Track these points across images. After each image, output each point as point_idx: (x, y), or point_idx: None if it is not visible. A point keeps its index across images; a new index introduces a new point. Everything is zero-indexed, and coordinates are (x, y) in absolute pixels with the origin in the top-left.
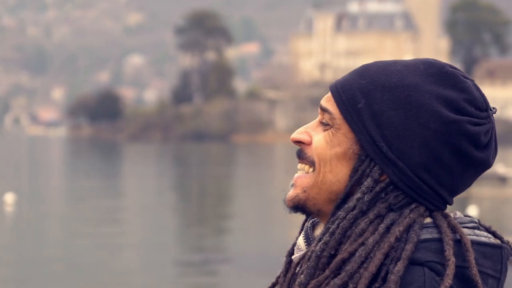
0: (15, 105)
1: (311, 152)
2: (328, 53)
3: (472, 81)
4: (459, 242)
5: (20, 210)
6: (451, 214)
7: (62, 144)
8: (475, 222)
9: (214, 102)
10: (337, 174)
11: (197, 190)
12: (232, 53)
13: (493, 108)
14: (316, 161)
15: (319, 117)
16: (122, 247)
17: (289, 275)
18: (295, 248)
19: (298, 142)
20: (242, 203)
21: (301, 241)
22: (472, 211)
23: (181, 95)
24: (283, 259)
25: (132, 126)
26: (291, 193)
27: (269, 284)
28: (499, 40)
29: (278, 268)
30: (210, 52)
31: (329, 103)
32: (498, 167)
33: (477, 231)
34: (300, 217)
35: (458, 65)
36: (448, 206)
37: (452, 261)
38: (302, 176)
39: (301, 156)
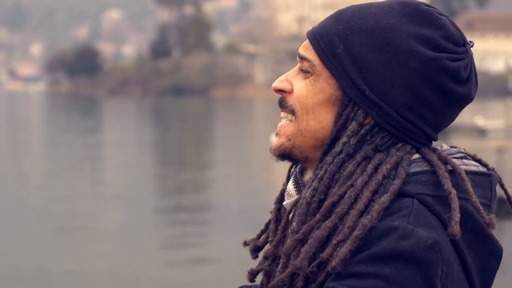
0: None
1: (292, 100)
2: (306, 6)
3: (448, 17)
4: (451, 173)
5: None
6: (438, 147)
7: (41, 99)
8: (463, 152)
9: (192, 56)
10: (321, 121)
11: (177, 144)
12: (210, 7)
13: (470, 42)
14: (298, 109)
15: (298, 65)
16: (103, 199)
17: (282, 222)
18: (285, 194)
19: (279, 90)
20: (222, 156)
21: (291, 187)
22: None
23: (160, 49)
24: (271, 206)
25: (111, 81)
26: (276, 142)
27: (258, 232)
28: None
29: (260, 217)
30: (188, 6)
31: (307, 50)
32: (478, 119)
33: (465, 161)
34: (283, 166)
35: None
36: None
37: (453, 193)
38: (285, 124)
39: (283, 105)
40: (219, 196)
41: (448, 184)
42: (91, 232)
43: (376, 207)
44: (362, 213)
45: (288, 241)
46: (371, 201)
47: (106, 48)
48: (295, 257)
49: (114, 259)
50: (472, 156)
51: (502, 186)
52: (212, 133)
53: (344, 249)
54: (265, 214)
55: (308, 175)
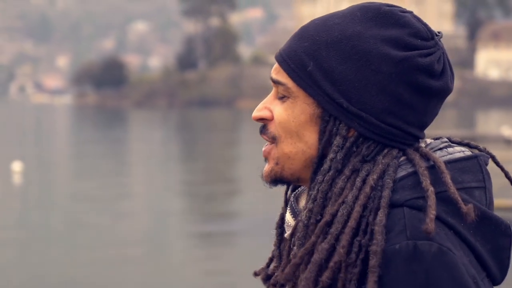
0: (20, 73)
1: (274, 127)
2: None
3: (411, 13)
4: (432, 167)
5: (27, 178)
6: (422, 144)
7: (67, 111)
8: (446, 141)
9: (218, 68)
10: (307, 142)
11: (203, 156)
12: (236, 19)
13: (439, 33)
14: (282, 134)
15: (273, 90)
16: (128, 213)
17: (285, 251)
18: (285, 226)
19: (260, 119)
20: (248, 167)
21: (289, 217)
22: None
23: (186, 61)
24: (273, 232)
25: (137, 93)
26: (266, 168)
27: (267, 260)
28: (503, 2)
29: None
30: (214, 17)
31: (279, 74)
32: (504, 129)
33: (450, 149)
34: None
35: (462, 28)
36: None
37: (431, 191)
38: (269, 147)
39: (263, 132)
40: (246, 207)
41: (426, 182)
42: (118, 244)
43: (377, 228)
44: (354, 230)
45: (287, 267)
46: (362, 217)
47: (132, 60)
48: (298, 283)
49: (141, 267)
50: (459, 141)
51: (496, 163)
52: (237, 146)
53: (370, 284)
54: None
55: (303, 201)
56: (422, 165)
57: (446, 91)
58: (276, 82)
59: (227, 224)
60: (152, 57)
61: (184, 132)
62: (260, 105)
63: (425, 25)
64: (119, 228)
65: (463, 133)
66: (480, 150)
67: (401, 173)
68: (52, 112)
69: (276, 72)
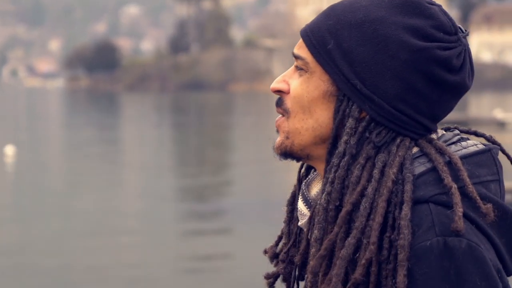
0: (12, 57)
1: (288, 100)
2: (325, 0)
3: (439, 6)
4: (449, 163)
5: (20, 161)
6: (434, 136)
7: (60, 95)
8: (458, 134)
9: (211, 51)
10: (318, 119)
11: (196, 139)
12: (228, 2)
13: (465, 30)
14: (295, 108)
15: (294, 63)
16: (121, 196)
17: (302, 244)
18: (298, 214)
19: (277, 91)
20: (241, 151)
21: (301, 206)
22: None
23: (178, 44)
24: (284, 209)
25: (129, 76)
26: (277, 140)
27: (276, 238)
28: None
29: (278, 212)
30: (207, 1)
31: (301, 49)
32: (497, 112)
33: (463, 143)
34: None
35: (455, 11)
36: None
37: (454, 188)
38: (281, 119)
39: (278, 104)
40: (239, 191)
41: (448, 179)
42: (111, 227)
43: (403, 223)
44: (381, 225)
45: (313, 260)
46: (387, 212)
47: (124, 44)
48: (321, 276)
49: (135, 252)
50: (467, 130)
51: (505, 153)
52: (231, 129)
53: (400, 278)
54: (283, 209)
55: (314, 190)
56: (440, 161)
57: (462, 87)
58: (297, 57)
59: (220, 208)
60: (144, 40)
61: (176, 116)
62: (279, 77)
63: (451, 20)
64: (112, 211)
65: (456, 116)
66: (487, 138)
67: (420, 168)
68: (44, 96)
69: (299, 47)
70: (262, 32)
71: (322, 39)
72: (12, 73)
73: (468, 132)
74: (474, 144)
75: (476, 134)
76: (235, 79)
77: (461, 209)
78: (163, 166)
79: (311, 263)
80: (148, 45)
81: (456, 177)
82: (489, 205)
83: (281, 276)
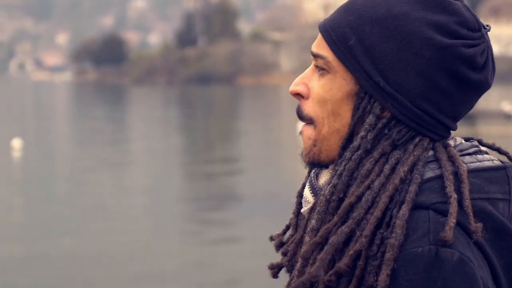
0: (20, 51)
1: (309, 107)
2: None
3: (461, 1)
4: (456, 174)
5: (27, 155)
6: (452, 142)
7: (67, 89)
8: (477, 146)
9: (218, 44)
10: (342, 120)
11: (204, 133)
12: None
13: (487, 26)
14: (319, 114)
15: (312, 64)
16: (129, 189)
17: (301, 228)
18: (302, 200)
19: (296, 94)
20: (249, 144)
21: (307, 193)
22: None
23: (185, 38)
24: (293, 200)
25: (136, 70)
26: (304, 145)
27: (283, 227)
28: None
29: (285, 204)
30: None
31: (320, 47)
32: (504, 105)
33: (479, 156)
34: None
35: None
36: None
37: (453, 198)
38: (307, 128)
39: (300, 116)
40: (246, 184)
41: (450, 188)
42: (117, 216)
43: (398, 222)
44: (379, 220)
45: (306, 245)
46: (387, 208)
47: (132, 37)
48: (311, 263)
49: (139, 239)
50: (490, 145)
51: None
52: (238, 123)
53: (382, 276)
54: (291, 201)
55: (323, 178)
56: (449, 168)
57: (485, 85)
58: (316, 56)
59: (226, 202)
60: (151, 34)
61: (184, 109)
62: (297, 79)
63: (474, 16)
64: (122, 203)
65: None
66: (509, 157)
67: (429, 173)
68: (52, 89)
69: (317, 45)
70: (270, 25)
71: (343, 35)
72: (20, 66)
73: (491, 147)
74: (490, 159)
75: (500, 151)
76: (243, 72)
77: (454, 220)
78: (171, 162)
79: (305, 248)
80: (155, 39)
81: (459, 189)
82: (480, 225)
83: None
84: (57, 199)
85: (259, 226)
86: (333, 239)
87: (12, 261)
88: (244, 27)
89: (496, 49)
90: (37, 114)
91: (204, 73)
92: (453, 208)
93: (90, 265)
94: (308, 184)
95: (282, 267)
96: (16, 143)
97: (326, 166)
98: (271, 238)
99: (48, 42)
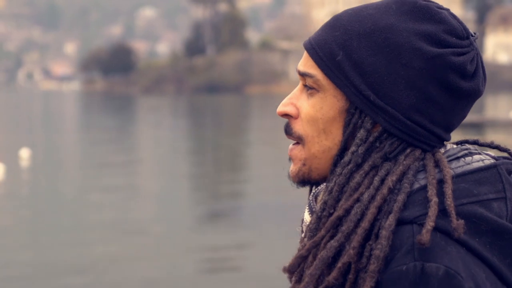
0: (28, 60)
1: (298, 126)
2: (341, 2)
3: (448, 10)
4: (453, 178)
5: (35, 164)
6: (442, 149)
7: (76, 98)
8: (466, 149)
9: (227, 53)
10: (334, 139)
11: (212, 142)
12: (244, 4)
13: (474, 34)
14: (309, 133)
15: (300, 84)
16: (137, 199)
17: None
18: (302, 225)
19: (284, 115)
20: (257, 154)
21: (306, 215)
22: None
23: (194, 47)
24: (298, 229)
25: (145, 79)
26: (293, 168)
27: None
28: None
29: (294, 219)
30: (222, 3)
31: (307, 65)
32: None
33: (468, 159)
34: None
35: (471, 12)
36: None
37: (434, 201)
38: (295, 148)
39: (288, 132)
40: (254, 194)
41: (431, 191)
42: (127, 227)
43: (384, 233)
44: (367, 231)
45: (293, 259)
46: (376, 219)
47: (140, 46)
48: (297, 279)
49: (151, 250)
50: (489, 144)
51: None
52: (247, 132)
53: None
54: (298, 211)
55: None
56: (433, 173)
57: (476, 93)
58: (304, 75)
59: (234, 212)
60: (160, 43)
61: (192, 118)
62: (285, 100)
63: (461, 23)
64: (130, 212)
65: (472, 118)
66: (510, 153)
67: (415, 185)
68: (60, 99)
69: (304, 63)
70: (278, 34)
71: (330, 51)
72: (28, 76)
73: (490, 146)
74: (480, 160)
75: (499, 148)
76: (251, 81)
77: (432, 223)
78: (179, 169)
79: (290, 261)
80: (163, 48)
81: (441, 192)
82: (461, 222)
83: None
84: (65, 208)
85: (268, 233)
86: (322, 254)
87: (22, 270)
88: (253, 36)
89: (505, 57)
90: (45, 123)
91: (213, 82)
92: (432, 212)
93: (94, 272)
94: (307, 207)
95: None
96: (24, 152)
97: (317, 184)
98: (284, 269)
99: (56, 52)
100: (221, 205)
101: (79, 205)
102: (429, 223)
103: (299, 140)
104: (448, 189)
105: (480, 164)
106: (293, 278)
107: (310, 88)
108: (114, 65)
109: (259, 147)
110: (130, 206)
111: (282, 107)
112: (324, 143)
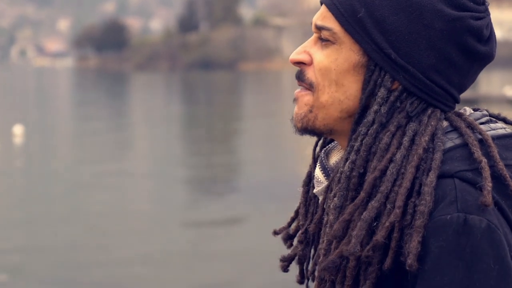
0: (21, 37)
1: (311, 73)
2: None
3: None
4: (480, 141)
5: (28, 141)
6: (462, 112)
7: (69, 75)
8: (487, 115)
9: (220, 30)
10: (345, 92)
11: (206, 119)
12: None
13: (486, 1)
14: (320, 82)
15: (314, 35)
16: (130, 176)
17: (316, 209)
18: (314, 181)
19: (298, 63)
20: (251, 129)
21: (319, 173)
22: None
23: (187, 23)
24: (299, 189)
25: (138, 56)
26: (298, 111)
27: (288, 219)
28: None
29: (287, 189)
30: None
31: (325, 19)
32: (507, 90)
33: (492, 125)
34: (311, 139)
35: None
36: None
37: (484, 162)
38: (303, 92)
39: (300, 78)
40: (247, 170)
41: (477, 153)
42: (121, 208)
43: (427, 189)
44: (408, 191)
45: (336, 223)
46: (415, 178)
47: (133, 23)
48: (346, 241)
49: (145, 236)
50: (496, 115)
51: None
52: (240, 108)
53: (413, 243)
54: (293, 187)
55: (334, 159)
56: (471, 135)
57: (489, 57)
58: (321, 28)
59: (228, 190)
60: (153, 19)
61: (186, 95)
62: (299, 48)
63: None
64: (122, 190)
65: (466, 94)
66: None
67: (448, 144)
68: (53, 76)
69: (322, 17)
70: (272, 11)
71: (351, 7)
72: (21, 53)
73: (497, 118)
74: (502, 127)
75: (505, 121)
76: (245, 58)
77: (490, 184)
78: (173, 148)
79: (334, 226)
80: (157, 24)
81: (486, 155)
82: None
83: (296, 258)
84: (58, 184)
85: (261, 209)
86: (365, 215)
87: (15, 252)
88: (246, 12)
89: (498, 34)
90: (38, 100)
91: (206, 58)
92: (486, 173)
93: (89, 251)
94: (319, 164)
95: (294, 258)
96: (18, 129)
97: (319, 135)
98: (275, 233)
99: (50, 28)
100: (214, 181)
101: (72, 182)
102: (488, 184)
103: (310, 88)
104: (495, 152)
105: (504, 131)
106: (325, 242)
107: (325, 40)
108: (107, 42)
109: (252, 121)
110: (123, 183)
111: (295, 55)
112: (334, 94)
